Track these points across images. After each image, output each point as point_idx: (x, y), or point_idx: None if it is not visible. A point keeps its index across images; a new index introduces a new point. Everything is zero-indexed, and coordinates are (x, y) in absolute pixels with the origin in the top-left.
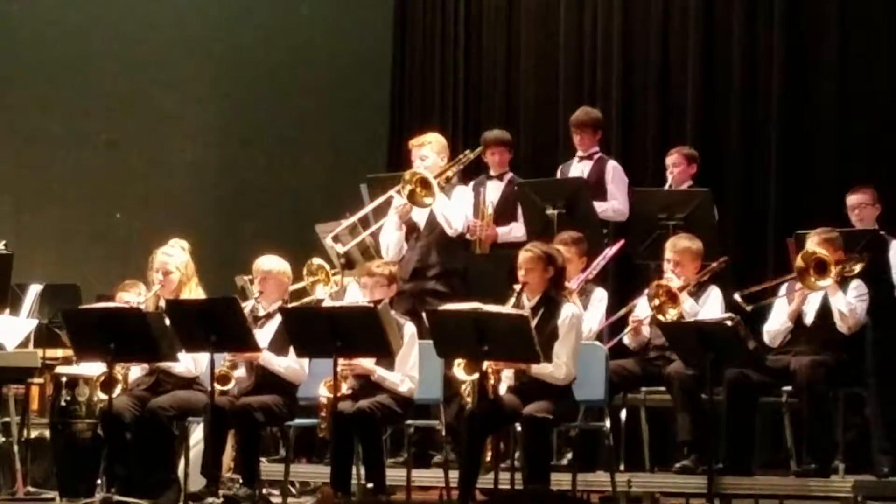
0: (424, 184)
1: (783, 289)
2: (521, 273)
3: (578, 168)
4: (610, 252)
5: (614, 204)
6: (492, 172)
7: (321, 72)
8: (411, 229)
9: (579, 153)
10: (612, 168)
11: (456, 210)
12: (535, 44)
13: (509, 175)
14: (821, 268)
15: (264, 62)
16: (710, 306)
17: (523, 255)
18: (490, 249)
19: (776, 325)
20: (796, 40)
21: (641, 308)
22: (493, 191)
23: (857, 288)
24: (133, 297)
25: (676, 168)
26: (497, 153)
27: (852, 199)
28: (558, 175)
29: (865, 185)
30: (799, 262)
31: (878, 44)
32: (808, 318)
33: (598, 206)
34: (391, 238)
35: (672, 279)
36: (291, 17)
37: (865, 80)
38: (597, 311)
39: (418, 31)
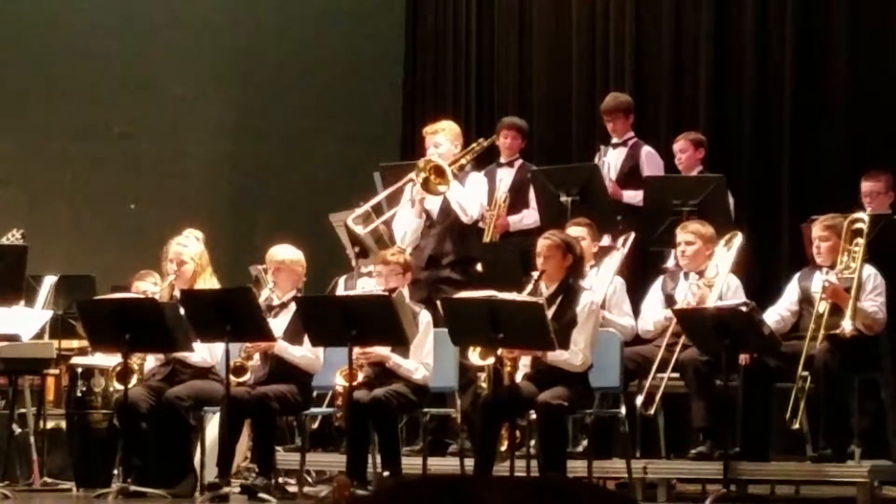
0: (438, 171)
1: (795, 277)
2: (539, 260)
3: (613, 155)
4: (623, 251)
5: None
6: (502, 159)
7: (334, 61)
8: (426, 217)
9: (614, 139)
10: (647, 154)
11: (471, 197)
12: (547, 32)
13: (519, 162)
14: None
15: (277, 52)
16: (732, 295)
17: (542, 243)
18: (500, 238)
19: (775, 314)
20: (808, 24)
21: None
22: (504, 178)
23: (874, 288)
24: (148, 286)
25: (684, 154)
26: (510, 136)
27: (865, 185)
28: (596, 160)
29: (879, 172)
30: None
31: (890, 26)
32: (822, 307)
33: (627, 194)
34: (410, 225)
35: (697, 282)
36: (304, 7)
37: (878, 63)
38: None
39: (431, 19)
